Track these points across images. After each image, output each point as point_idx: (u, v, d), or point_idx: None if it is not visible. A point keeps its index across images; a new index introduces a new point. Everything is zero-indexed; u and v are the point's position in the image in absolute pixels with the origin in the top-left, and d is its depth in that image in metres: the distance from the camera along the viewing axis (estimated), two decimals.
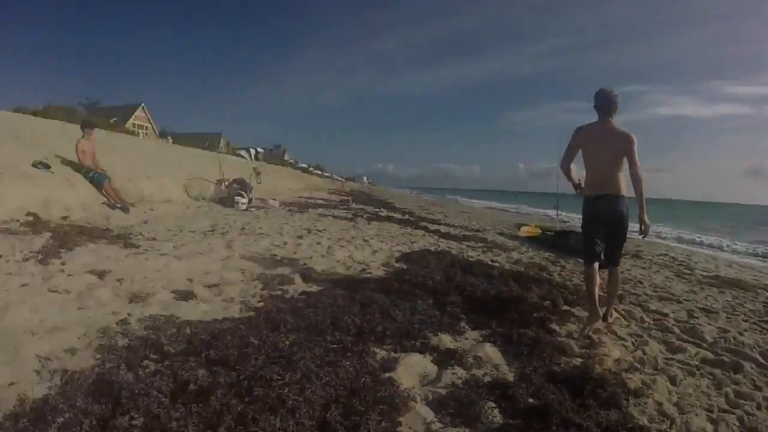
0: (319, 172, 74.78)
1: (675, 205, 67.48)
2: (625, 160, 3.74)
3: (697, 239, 18.43)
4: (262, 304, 3.56)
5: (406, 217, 14.37)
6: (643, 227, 3.80)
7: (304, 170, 64.31)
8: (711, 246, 16.98)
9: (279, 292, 3.93)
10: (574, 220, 16.78)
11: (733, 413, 2.68)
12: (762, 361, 3.67)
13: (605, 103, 3.81)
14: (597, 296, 3.82)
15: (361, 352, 2.70)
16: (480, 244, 8.76)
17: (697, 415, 2.55)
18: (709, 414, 2.61)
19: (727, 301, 5.96)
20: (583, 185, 3.97)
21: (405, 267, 5.47)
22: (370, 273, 5.05)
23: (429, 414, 2.19)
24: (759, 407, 2.82)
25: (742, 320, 4.97)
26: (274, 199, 13.31)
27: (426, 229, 10.75)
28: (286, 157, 76.01)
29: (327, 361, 2.45)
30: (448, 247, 7.70)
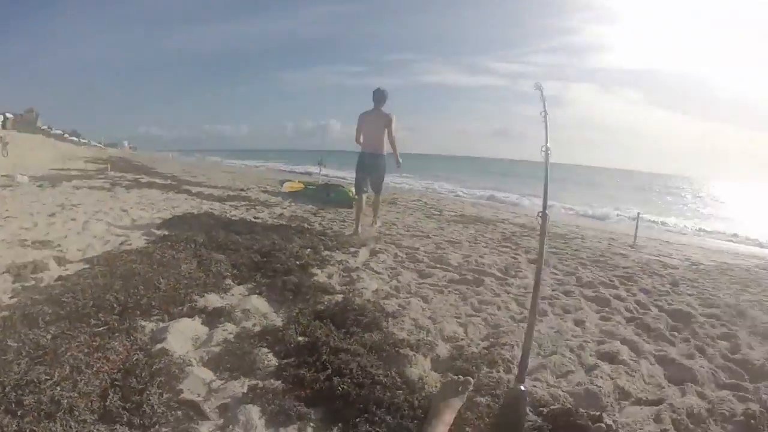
0: (75, 139, 65.17)
1: (432, 159, 77.22)
2: (386, 131, 6.14)
3: (437, 186, 22.17)
4: (15, 299, 3.03)
5: (169, 182, 13.66)
6: (398, 163, 6.63)
7: (59, 137, 54.98)
8: (452, 191, 20.54)
9: (33, 282, 3.39)
10: (334, 174, 18.07)
11: (479, 316, 3.46)
12: (499, 275, 4.75)
13: (379, 96, 6.21)
14: (360, 219, 6.22)
15: (128, 329, 2.53)
16: (243, 203, 8.93)
17: (448, 322, 3.21)
18: (458, 320, 3.30)
19: (470, 233, 7.36)
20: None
21: (167, 233, 5.24)
22: (131, 244, 4.71)
23: (207, 374, 2.22)
24: (498, 308, 3.70)
25: (483, 247, 6.25)
26: (22, 174, 11.77)
27: (189, 192, 10.42)
28: (39, 123, 63.41)
29: (95, 347, 2.24)
30: (211, 209, 7.64)
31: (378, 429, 1.85)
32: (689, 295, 4.81)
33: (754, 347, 3.44)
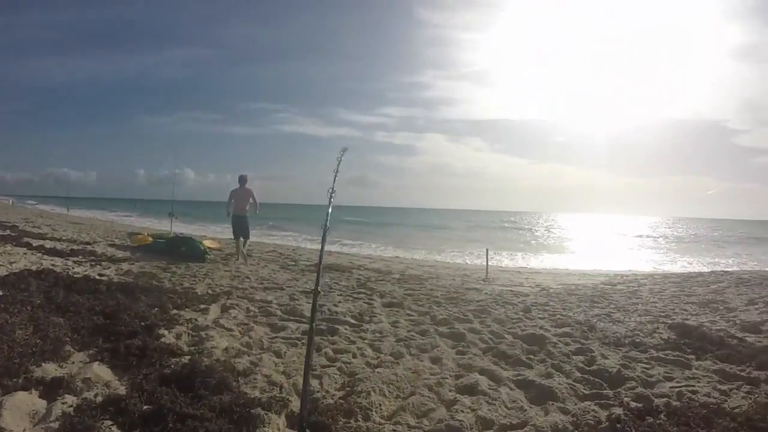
0: None
1: (292, 208, 76.94)
2: (251, 199, 9.62)
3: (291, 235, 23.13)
4: None
5: (8, 232, 11.93)
6: (257, 211, 9.86)
7: None
8: (307, 239, 21.23)
9: None
10: (186, 227, 17.57)
11: (333, 366, 3.57)
12: (354, 322, 4.93)
13: (243, 179, 9.60)
14: (239, 251, 9.64)
15: None
16: (89, 258, 8.28)
17: (301, 375, 3.23)
18: (313, 370, 3.34)
19: (325, 282, 7.54)
20: (230, 212, 9.67)
21: (0, 293, 4.67)
22: None
23: None
24: (354, 356, 3.84)
25: (337, 295, 6.44)
26: None
27: (29, 245, 9.21)
28: None
29: None
30: (53, 265, 6.94)
31: None
32: (541, 318, 5.47)
33: (608, 356, 3.99)
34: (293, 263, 10.17)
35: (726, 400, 3.01)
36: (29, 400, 2.50)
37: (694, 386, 3.28)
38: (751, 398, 3.02)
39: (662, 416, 2.73)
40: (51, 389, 2.66)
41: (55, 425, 2.30)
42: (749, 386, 3.26)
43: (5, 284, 5.10)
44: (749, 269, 13.07)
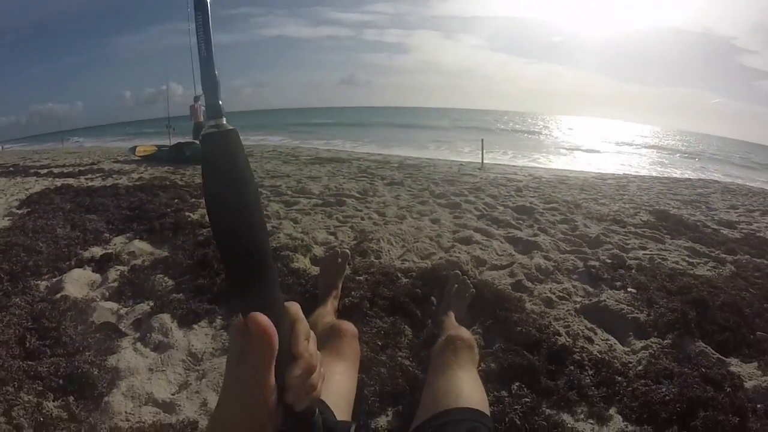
0: None
1: (279, 113, 74.96)
2: (203, 108, 8.25)
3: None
4: None
5: (11, 169, 12.11)
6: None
7: None
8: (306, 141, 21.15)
9: None
10: (184, 138, 17.63)
11: (345, 225, 4.07)
12: (359, 196, 5.39)
13: (196, 99, 10.38)
14: None
15: (23, 289, 2.60)
16: (98, 174, 8.48)
17: (319, 232, 3.77)
18: (328, 230, 3.87)
19: (328, 170, 7.95)
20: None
21: (29, 210, 5.05)
22: None
23: (113, 305, 2.43)
24: (362, 219, 4.34)
25: (341, 178, 6.80)
26: None
27: (38, 174, 9.45)
28: None
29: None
30: (67, 183, 7.20)
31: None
32: (531, 197, 5.88)
33: (590, 226, 4.40)
34: (294, 158, 10.50)
35: (692, 269, 3.31)
36: (85, 275, 2.87)
37: (665, 256, 3.57)
38: (715, 272, 3.28)
39: (633, 271, 3.13)
40: (102, 264, 3.03)
41: (114, 285, 2.71)
42: (715, 263, 3.50)
43: (31, 202, 5.44)
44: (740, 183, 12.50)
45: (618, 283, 2.87)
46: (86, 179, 7.87)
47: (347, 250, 2.64)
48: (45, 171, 9.85)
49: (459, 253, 3.26)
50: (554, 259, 3.24)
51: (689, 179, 11.30)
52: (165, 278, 2.73)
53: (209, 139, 0.44)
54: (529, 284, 2.81)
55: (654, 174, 13.22)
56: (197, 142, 10.53)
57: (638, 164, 19.05)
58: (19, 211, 5.07)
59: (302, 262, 2.97)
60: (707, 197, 7.46)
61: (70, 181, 7.63)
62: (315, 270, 2.82)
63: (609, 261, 3.29)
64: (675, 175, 13.86)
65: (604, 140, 33.87)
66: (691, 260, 3.53)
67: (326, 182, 6.40)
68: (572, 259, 3.27)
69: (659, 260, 3.41)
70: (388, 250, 3.32)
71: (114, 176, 7.98)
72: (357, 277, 2.70)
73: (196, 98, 10.98)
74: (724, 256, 3.70)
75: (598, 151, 23.06)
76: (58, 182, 7.54)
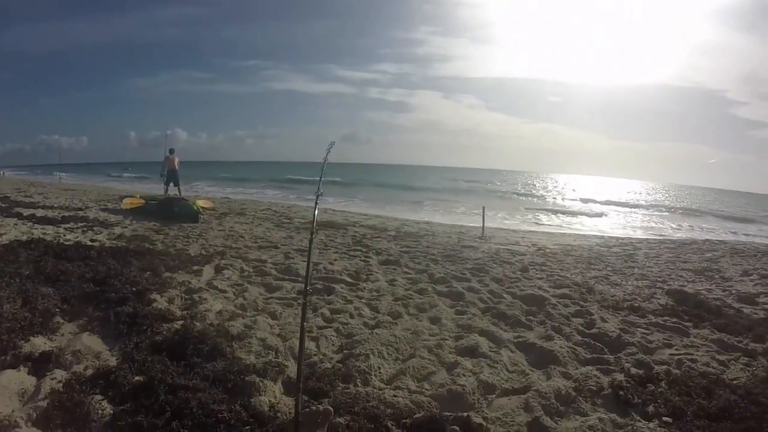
0: None
1: (281, 166, 75.59)
2: (177, 161, 13.66)
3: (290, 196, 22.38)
4: None
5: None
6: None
7: None
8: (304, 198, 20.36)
9: None
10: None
11: (330, 327, 3.48)
12: (350, 280, 4.84)
13: (172, 150, 13.64)
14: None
15: None
16: (80, 224, 8.09)
17: (298, 338, 3.16)
18: (310, 334, 3.26)
19: (320, 239, 7.45)
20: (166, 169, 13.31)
21: None
22: None
23: None
24: (351, 316, 3.75)
25: (333, 252, 6.33)
26: None
27: (20, 215, 8.95)
28: None
29: None
30: (43, 234, 6.76)
31: None
32: (539, 278, 5.41)
33: (607, 319, 3.94)
34: (288, 221, 10.07)
35: (725, 371, 3.00)
36: (18, 378, 2.42)
37: (693, 354, 3.25)
38: (749, 371, 3.01)
39: (663, 384, 2.72)
40: (40, 365, 2.58)
41: (44, 403, 2.20)
42: (747, 358, 3.24)
43: None
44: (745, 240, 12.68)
45: (650, 409, 2.46)
46: (66, 229, 7.46)
47: (329, 409, 2.09)
48: (28, 213, 9.39)
49: (463, 375, 2.73)
50: (574, 377, 2.78)
51: (695, 241, 11.05)
52: (103, 402, 2.20)
53: None
54: (548, 422, 2.32)
55: (657, 237, 12.96)
56: (186, 199, 10.15)
57: (641, 224, 19.00)
58: None
59: (270, 394, 2.40)
60: (717, 262, 7.27)
61: (48, 230, 7.19)
62: (286, 406, 2.28)
63: (635, 371, 2.91)
64: (679, 236, 13.78)
65: (603, 199, 34.18)
66: (720, 357, 3.26)
67: (316, 258, 5.90)
68: (595, 374, 2.82)
69: (688, 363, 3.09)
70: (378, 369, 2.80)
71: (95, 229, 7.59)
72: (337, 419, 2.18)
73: (171, 150, 13.61)
74: (753, 346, 3.48)
75: (599, 215, 22.76)
76: (36, 230, 7.09)
